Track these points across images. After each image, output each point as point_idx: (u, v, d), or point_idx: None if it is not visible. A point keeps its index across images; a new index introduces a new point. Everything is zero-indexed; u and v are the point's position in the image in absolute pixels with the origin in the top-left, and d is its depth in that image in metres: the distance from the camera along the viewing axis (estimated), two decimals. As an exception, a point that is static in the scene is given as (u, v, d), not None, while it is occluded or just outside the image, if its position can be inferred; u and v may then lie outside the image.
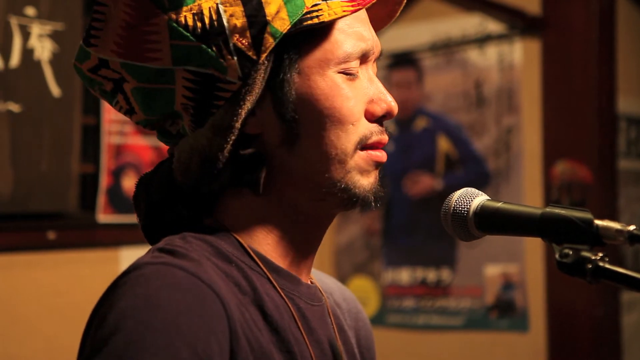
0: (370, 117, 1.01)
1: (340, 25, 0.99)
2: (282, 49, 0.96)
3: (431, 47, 3.55)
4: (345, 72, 0.99)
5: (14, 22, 2.22)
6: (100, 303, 0.92)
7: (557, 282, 3.28)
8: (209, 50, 0.94)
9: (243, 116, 0.95)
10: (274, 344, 0.95)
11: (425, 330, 3.59)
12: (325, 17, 0.95)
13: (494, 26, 3.48)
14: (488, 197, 1.01)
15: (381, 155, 1.02)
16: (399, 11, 1.07)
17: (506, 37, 3.47)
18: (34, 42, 2.27)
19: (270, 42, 0.94)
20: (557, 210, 0.93)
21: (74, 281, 2.39)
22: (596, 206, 3.17)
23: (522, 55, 3.44)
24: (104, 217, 2.50)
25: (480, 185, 3.40)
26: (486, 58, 3.51)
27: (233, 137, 0.96)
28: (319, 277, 1.13)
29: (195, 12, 0.94)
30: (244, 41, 0.94)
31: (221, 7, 0.94)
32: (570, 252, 0.89)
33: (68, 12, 2.36)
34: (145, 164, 2.62)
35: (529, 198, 3.35)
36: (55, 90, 2.32)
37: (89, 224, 2.49)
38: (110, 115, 2.52)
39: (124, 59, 0.97)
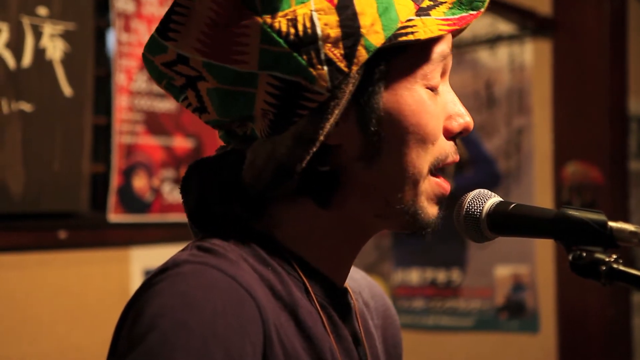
0: (447, 134, 1.00)
1: (430, 41, 0.97)
2: (372, 62, 0.94)
3: (442, 48, 3.54)
4: (430, 88, 0.98)
5: (26, 22, 2.23)
6: (135, 298, 0.92)
7: (567, 283, 3.27)
8: (300, 58, 0.91)
9: (327, 129, 0.93)
10: (305, 351, 0.94)
11: (435, 331, 3.59)
12: (421, 35, 0.94)
13: (504, 27, 3.47)
14: (501, 199, 1.00)
15: (447, 188, 1.01)
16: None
17: (517, 37, 3.46)
18: (45, 41, 2.28)
19: (363, 55, 0.92)
20: (570, 212, 0.92)
21: (84, 281, 2.40)
22: (607, 207, 3.16)
23: (532, 56, 3.43)
24: (114, 216, 2.50)
25: (491, 186, 3.40)
26: (497, 59, 3.51)
27: (314, 149, 0.93)
28: (350, 272, 1.13)
29: (290, 18, 0.92)
30: (336, 52, 0.92)
31: (315, 15, 0.92)
32: (584, 254, 0.89)
33: (80, 12, 2.36)
34: (156, 164, 2.62)
35: (540, 199, 3.34)
36: (66, 90, 2.33)
37: (99, 224, 2.49)
38: (121, 115, 2.52)
39: (207, 58, 0.95)
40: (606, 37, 3.29)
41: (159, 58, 0.99)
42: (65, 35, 2.33)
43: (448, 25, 0.96)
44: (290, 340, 0.93)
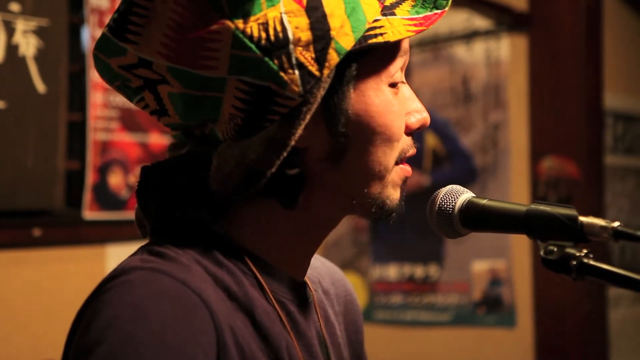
0: (407, 130, 1.00)
1: (397, 41, 0.96)
2: (341, 64, 0.92)
3: (418, 44, 3.55)
4: (392, 84, 0.97)
5: (-2, 18, 2.21)
6: (84, 308, 0.89)
7: (544, 278, 3.28)
8: (271, 63, 0.89)
9: (299, 133, 0.91)
10: (262, 351, 0.93)
11: (413, 326, 3.60)
12: (390, 37, 0.93)
13: (481, 22, 3.48)
14: (474, 195, 1.00)
15: (409, 170, 1.01)
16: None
17: (493, 33, 3.47)
18: (18, 38, 2.26)
19: (334, 59, 0.90)
20: (542, 207, 0.92)
21: (59, 278, 2.39)
22: (583, 202, 3.17)
23: (509, 51, 3.44)
24: (89, 214, 2.49)
25: (468, 181, 3.41)
26: (473, 54, 3.51)
27: (285, 154, 0.92)
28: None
29: (261, 22, 0.89)
30: (307, 55, 0.90)
31: (285, 17, 0.89)
32: (555, 249, 0.89)
33: (53, 8, 2.34)
34: (132, 161, 2.61)
35: (516, 194, 3.36)
36: (40, 86, 2.31)
37: (74, 221, 2.47)
38: (96, 111, 2.51)
39: (173, 63, 0.92)
40: (582, 33, 3.30)
41: (116, 60, 0.95)
42: (39, 32, 2.31)
43: (415, 25, 0.95)
44: (247, 342, 0.91)
